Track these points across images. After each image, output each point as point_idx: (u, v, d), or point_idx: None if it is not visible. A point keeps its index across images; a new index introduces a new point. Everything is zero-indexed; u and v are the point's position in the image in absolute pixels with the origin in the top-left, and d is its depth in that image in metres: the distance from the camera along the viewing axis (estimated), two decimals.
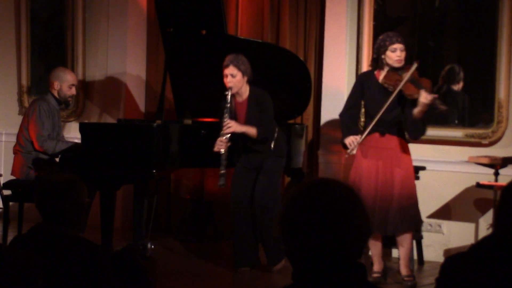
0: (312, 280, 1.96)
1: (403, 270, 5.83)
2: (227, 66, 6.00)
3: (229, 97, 5.98)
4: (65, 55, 8.17)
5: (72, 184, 3.38)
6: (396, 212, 5.72)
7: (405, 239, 5.80)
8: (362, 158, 5.81)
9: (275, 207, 5.97)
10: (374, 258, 5.90)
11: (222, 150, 5.94)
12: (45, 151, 6.55)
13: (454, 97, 6.72)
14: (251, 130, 6.00)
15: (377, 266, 5.88)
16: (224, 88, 5.99)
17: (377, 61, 5.82)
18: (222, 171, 5.98)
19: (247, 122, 6.06)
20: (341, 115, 6.00)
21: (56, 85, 6.69)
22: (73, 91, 6.79)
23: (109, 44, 8.00)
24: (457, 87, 6.72)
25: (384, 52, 5.75)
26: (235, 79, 5.99)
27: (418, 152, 6.56)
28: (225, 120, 5.94)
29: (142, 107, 8.03)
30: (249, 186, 6.09)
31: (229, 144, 5.97)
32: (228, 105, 5.97)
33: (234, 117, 6.07)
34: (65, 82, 6.71)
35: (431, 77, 6.47)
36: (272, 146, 6.06)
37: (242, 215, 6.08)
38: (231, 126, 5.94)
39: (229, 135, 5.95)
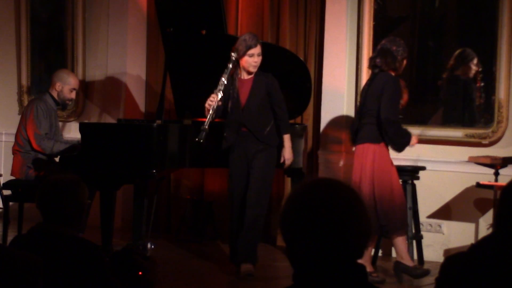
0: (313, 281, 1.96)
1: (410, 262, 5.89)
2: (255, 45, 5.91)
3: (234, 58, 5.88)
4: (65, 55, 8.17)
5: (73, 184, 3.38)
6: (394, 212, 5.78)
7: (401, 235, 5.88)
8: (390, 162, 5.90)
9: (264, 203, 5.97)
10: (364, 258, 5.87)
11: (213, 107, 5.80)
12: (43, 150, 6.55)
13: (460, 86, 6.71)
14: (287, 139, 6.08)
15: (367, 268, 5.87)
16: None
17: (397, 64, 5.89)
18: (205, 127, 5.75)
19: (249, 100, 5.97)
20: (397, 121, 5.87)
21: (58, 86, 6.70)
22: (73, 95, 6.79)
23: (109, 44, 8.00)
24: (465, 71, 6.67)
25: (405, 57, 5.93)
26: (260, 59, 5.97)
27: (418, 152, 6.56)
28: (230, 90, 5.88)
29: (142, 107, 8.03)
30: (246, 177, 6.02)
31: (220, 103, 5.86)
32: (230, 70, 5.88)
33: (236, 94, 5.97)
34: (67, 85, 6.72)
35: (431, 79, 6.51)
36: (266, 131, 6.02)
37: (239, 207, 6.00)
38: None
39: (221, 94, 5.84)
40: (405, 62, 5.93)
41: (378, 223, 5.75)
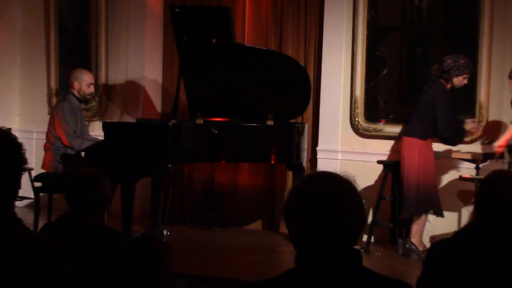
0: (313, 264, 1.96)
1: (420, 245, 6.18)
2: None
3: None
4: (90, 60, 8.18)
5: (97, 177, 3.39)
6: (432, 195, 6.18)
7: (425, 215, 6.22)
8: (432, 155, 6.15)
9: None
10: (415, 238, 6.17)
11: None
12: (72, 147, 6.56)
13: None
14: None
15: (420, 247, 6.16)
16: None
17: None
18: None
19: None
20: (453, 136, 6.16)
21: (76, 84, 6.70)
22: (92, 89, 6.79)
23: (129, 51, 8.00)
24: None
25: (459, 75, 6.07)
26: None
27: None
28: None
29: (158, 107, 8.04)
30: None
31: None
32: None
33: None
34: (83, 82, 6.72)
35: (418, 82, 6.48)
36: None
37: None
38: None
39: None
40: (461, 79, 6.04)
41: (415, 203, 6.00)
